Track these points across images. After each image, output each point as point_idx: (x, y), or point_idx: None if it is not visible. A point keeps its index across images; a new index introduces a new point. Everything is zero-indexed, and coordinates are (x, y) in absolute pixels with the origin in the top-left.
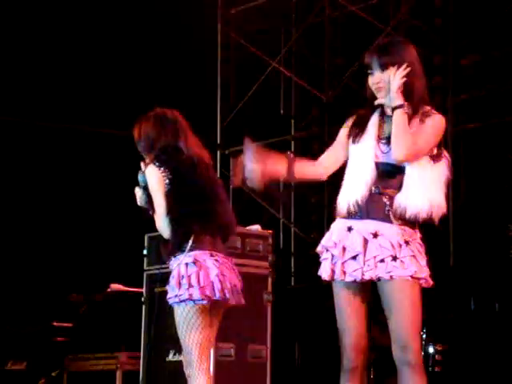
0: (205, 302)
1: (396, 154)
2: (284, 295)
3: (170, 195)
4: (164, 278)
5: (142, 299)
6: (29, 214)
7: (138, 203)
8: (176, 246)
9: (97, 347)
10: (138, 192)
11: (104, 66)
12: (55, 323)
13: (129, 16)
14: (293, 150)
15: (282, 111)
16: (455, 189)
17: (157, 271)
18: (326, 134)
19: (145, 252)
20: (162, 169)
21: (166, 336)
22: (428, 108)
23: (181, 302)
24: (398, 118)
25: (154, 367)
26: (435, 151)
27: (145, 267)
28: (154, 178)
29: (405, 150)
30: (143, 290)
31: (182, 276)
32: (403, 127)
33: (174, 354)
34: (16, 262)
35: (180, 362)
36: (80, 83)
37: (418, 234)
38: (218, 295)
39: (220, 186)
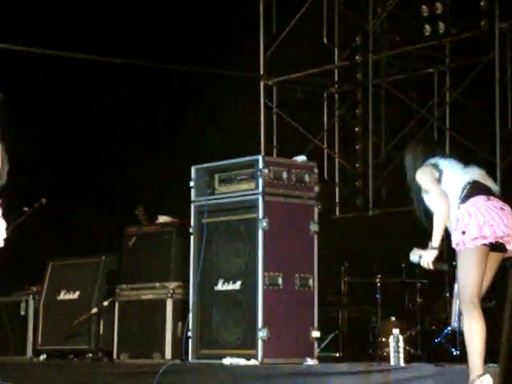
0: None
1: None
2: (329, 225)
3: None
4: (212, 210)
5: (190, 230)
6: (82, 150)
7: None
8: None
9: (147, 277)
10: None
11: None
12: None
13: None
14: (336, 79)
15: (325, 40)
16: None
17: (204, 202)
18: (369, 63)
19: (192, 184)
20: None
21: (214, 266)
22: None
23: None
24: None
25: (204, 296)
26: None
27: (192, 198)
28: None
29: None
30: (191, 221)
31: None
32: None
33: (223, 283)
34: (70, 197)
35: (229, 291)
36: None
37: None
38: None
39: None
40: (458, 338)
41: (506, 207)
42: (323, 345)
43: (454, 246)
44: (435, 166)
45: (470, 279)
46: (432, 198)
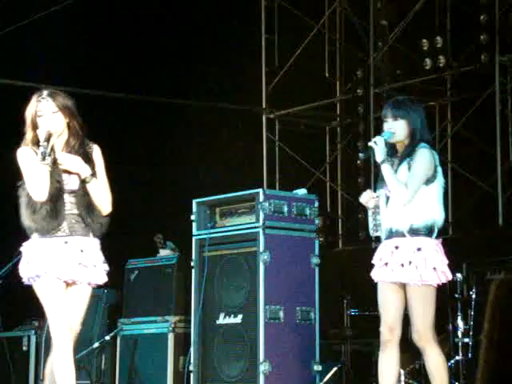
0: None
1: (399, 202)
2: (331, 258)
3: None
4: (213, 243)
5: (192, 263)
6: None
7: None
8: (105, 228)
9: (148, 311)
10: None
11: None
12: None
13: None
14: (338, 112)
15: (326, 74)
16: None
17: (205, 235)
18: (370, 97)
19: (193, 217)
20: None
21: (215, 299)
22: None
23: None
24: (385, 171)
25: (205, 330)
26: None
27: (194, 232)
28: None
29: (402, 199)
30: (192, 254)
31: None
32: (393, 180)
33: (225, 317)
34: None
35: (231, 325)
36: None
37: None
38: None
39: None
40: (461, 372)
41: None
42: (326, 378)
43: (417, 281)
44: (435, 167)
45: (432, 316)
46: (407, 187)
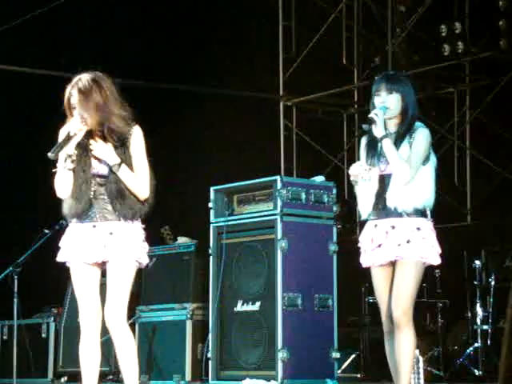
0: None
1: (401, 180)
2: (349, 245)
3: None
4: (230, 230)
5: (210, 251)
6: None
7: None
8: (141, 213)
9: (166, 298)
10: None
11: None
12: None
13: None
14: (356, 99)
15: (344, 61)
16: None
17: (223, 223)
18: None
19: (210, 205)
20: None
21: (233, 286)
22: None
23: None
24: (388, 147)
25: (223, 317)
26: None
27: (211, 219)
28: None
29: (405, 178)
30: (210, 242)
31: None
32: (396, 157)
33: (243, 304)
34: None
35: (249, 312)
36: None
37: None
38: None
39: None
40: (480, 359)
41: None
42: (344, 366)
43: (417, 257)
44: (431, 146)
45: (415, 295)
46: (409, 166)
